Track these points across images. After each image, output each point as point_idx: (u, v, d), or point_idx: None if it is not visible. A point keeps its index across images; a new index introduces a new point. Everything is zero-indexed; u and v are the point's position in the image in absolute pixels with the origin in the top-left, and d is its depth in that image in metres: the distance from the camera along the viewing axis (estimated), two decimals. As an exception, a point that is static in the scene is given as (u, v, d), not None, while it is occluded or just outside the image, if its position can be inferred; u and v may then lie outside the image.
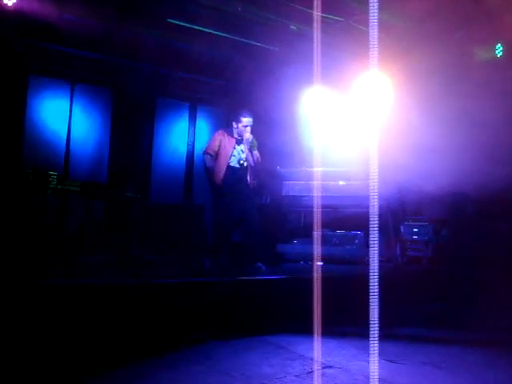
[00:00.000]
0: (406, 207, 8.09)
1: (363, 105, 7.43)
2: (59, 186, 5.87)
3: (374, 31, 2.30)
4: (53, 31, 6.51)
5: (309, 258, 7.07)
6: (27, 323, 3.53)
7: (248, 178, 6.05)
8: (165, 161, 8.66)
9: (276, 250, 7.29)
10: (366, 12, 2.38)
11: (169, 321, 4.16)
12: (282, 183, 7.74)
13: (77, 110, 7.79)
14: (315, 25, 5.28)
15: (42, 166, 5.93)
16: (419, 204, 8.07)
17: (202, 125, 9.16)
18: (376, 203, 2.24)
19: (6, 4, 6.03)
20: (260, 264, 5.79)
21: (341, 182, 7.57)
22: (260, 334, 4.38)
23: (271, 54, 8.07)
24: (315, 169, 7.39)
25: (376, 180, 2.24)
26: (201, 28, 7.37)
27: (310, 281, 4.26)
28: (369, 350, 2.35)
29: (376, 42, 2.30)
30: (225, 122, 9.06)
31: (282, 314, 4.74)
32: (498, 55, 7.41)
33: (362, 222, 5.52)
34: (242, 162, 6.00)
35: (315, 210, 6.32)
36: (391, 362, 3.72)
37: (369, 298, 2.19)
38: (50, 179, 5.74)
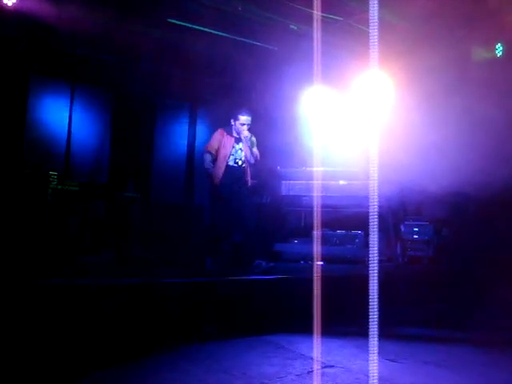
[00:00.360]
0: (407, 207, 8.09)
1: (363, 104, 7.43)
2: (59, 186, 5.88)
3: (374, 30, 2.29)
4: (53, 31, 6.51)
5: (309, 258, 7.07)
6: (27, 323, 3.53)
7: (246, 177, 6.04)
8: (165, 160, 8.66)
9: (273, 249, 7.29)
10: (366, 11, 2.38)
11: (169, 320, 4.17)
12: (282, 183, 7.74)
13: (77, 110, 7.79)
14: (315, 24, 5.27)
15: (43, 166, 5.94)
16: (420, 203, 8.07)
17: (203, 125, 9.16)
18: (376, 203, 2.24)
19: (6, 4, 6.03)
20: (260, 261, 5.79)
21: (341, 182, 7.56)
22: (260, 334, 4.38)
23: (271, 54, 8.06)
24: (315, 168, 7.39)
25: (376, 180, 2.23)
26: (201, 28, 7.37)
27: (310, 280, 4.26)
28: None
29: (376, 42, 2.29)
30: (225, 122, 9.05)
31: (282, 314, 4.75)
32: (498, 55, 7.41)
33: (362, 222, 5.52)
34: (240, 160, 5.98)
35: (315, 209, 6.32)
36: (392, 361, 3.72)
37: (369, 298, 2.19)
38: (51, 179, 5.75)
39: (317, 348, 3.81)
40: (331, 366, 3.57)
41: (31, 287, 3.72)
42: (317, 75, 4.91)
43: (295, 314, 4.55)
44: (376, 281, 2.19)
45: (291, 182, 7.69)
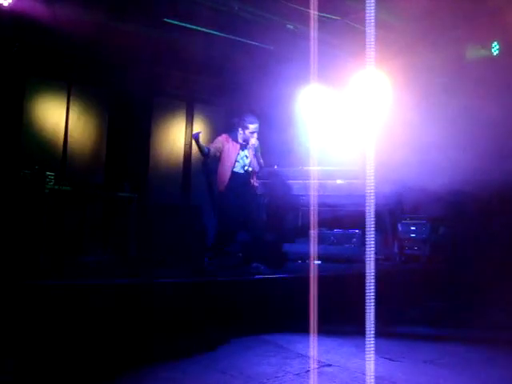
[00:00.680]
0: (404, 205, 8.10)
1: (360, 103, 7.43)
2: (56, 187, 5.86)
3: (370, 29, 2.30)
4: (49, 32, 6.49)
5: (307, 257, 7.07)
6: (24, 324, 3.52)
7: (252, 181, 6.00)
8: (162, 161, 8.65)
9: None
10: (363, 11, 2.38)
11: (167, 320, 4.16)
12: (279, 182, 7.73)
13: (74, 110, 7.77)
14: (312, 23, 5.28)
15: (39, 167, 5.91)
16: (417, 202, 8.08)
17: (199, 124, 9.15)
18: (373, 202, 2.24)
19: (2, 4, 6.01)
20: (257, 264, 5.78)
21: (338, 181, 7.57)
22: (259, 333, 4.38)
23: (268, 53, 8.06)
24: (312, 168, 7.39)
25: (373, 178, 2.24)
26: (197, 27, 7.36)
27: (308, 280, 4.26)
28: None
29: (373, 41, 2.30)
30: (222, 122, 9.06)
31: (280, 313, 4.75)
32: (495, 53, 7.43)
33: (359, 221, 5.52)
34: (246, 167, 5.93)
35: (313, 208, 6.33)
36: (390, 360, 3.73)
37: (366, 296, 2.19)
38: (47, 179, 5.72)
39: (315, 347, 3.81)
40: (329, 365, 3.58)
41: (28, 288, 3.72)
42: (313, 74, 4.91)
43: (293, 314, 4.55)
44: (373, 280, 2.20)
45: (289, 181, 7.69)
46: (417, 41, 7.16)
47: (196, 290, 4.58)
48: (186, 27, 7.33)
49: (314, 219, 6.00)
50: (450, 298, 5.96)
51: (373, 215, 2.25)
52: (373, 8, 2.30)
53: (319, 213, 6.04)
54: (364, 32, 2.31)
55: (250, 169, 5.92)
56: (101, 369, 3.36)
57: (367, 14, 2.31)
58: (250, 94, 7.69)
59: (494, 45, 7.41)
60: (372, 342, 2.21)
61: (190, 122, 9.03)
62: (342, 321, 4.67)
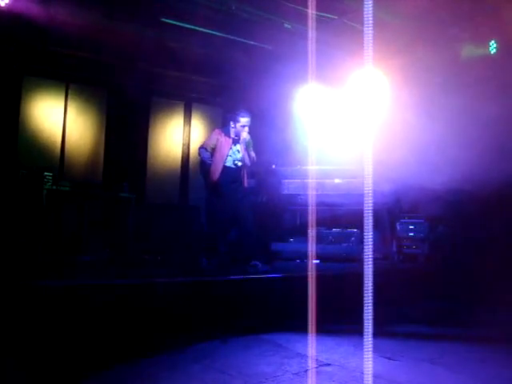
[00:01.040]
0: (402, 204, 8.11)
1: (358, 102, 7.43)
2: (54, 187, 5.87)
3: (368, 29, 2.29)
4: (46, 31, 6.49)
5: (305, 256, 7.07)
6: (23, 324, 3.52)
7: (243, 178, 6.03)
8: (160, 161, 8.65)
9: (270, 248, 7.29)
10: (361, 10, 2.38)
11: (165, 320, 4.16)
12: (277, 182, 7.74)
13: (71, 110, 7.76)
14: (309, 23, 5.27)
15: (37, 167, 5.91)
16: (415, 201, 8.08)
17: (197, 124, 9.15)
18: (370, 201, 2.24)
19: (-1, 4, 6.00)
20: (256, 262, 5.78)
21: (336, 180, 7.57)
22: (257, 333, 4.38)
23: (266, 53, 8.06)
24: (311, 167, 7.39)
25: (371, 177, 2.24)
26: (195, 27, 7.36)
27: (306, 279, 4.27)
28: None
29: (370, 40, 2.30)
30: (220, 121, 9.06)
31: (279, 313, 4.75)
32: (492, 52, 7.44)
33: (358, 220, 5.52)
34: (237, 162, 5.97)
35: (311, 208, 6.33)
36: (389, 359, 3.73)
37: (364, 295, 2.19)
38: (45, 180, 5.73)
39: (314, 346, 3.81)
40: (328, 364, 3.58)
41: (27, 288, 3.71)
42: (311, 73, 4.91)
43: (292, 313, 4.55)
44: (371, 279, 2.20)
45: (287, 180, 7.70)
46: (415, 40, 7.16)
47: (194, 289, 4.58)
48: (183, 27, 7.33)
49: (312, 218, 6.01)
50: (449, 297, 5.97)
51: (371, 214, 2.25)
52: (370, 7, 2.30)
53: (317, 212, 6.04)
54: (362, 31, 2.31)
55: (240, 163, 5.96)
56: (100, 368, 3.36)
57: (365, 13, 2.31)
58: (247, 94, 7.69)
59: (491, 43, 7.43)
60: (371, 341, 2.21)
61: (187, 121, 9.03)
62: (340, 320, 4.68)
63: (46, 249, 5.66)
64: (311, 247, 6.48)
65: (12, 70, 6.96)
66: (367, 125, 2.47)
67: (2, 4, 6.00)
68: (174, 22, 7.26)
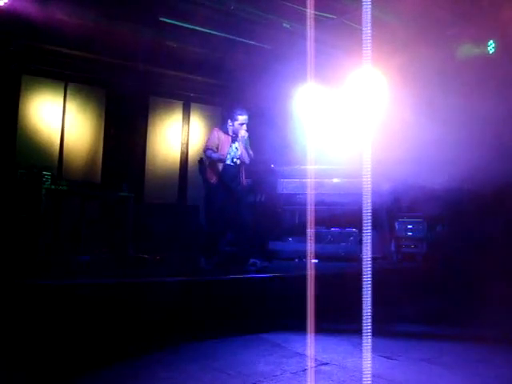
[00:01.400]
0: (401, 204, 8.11)
1: (357, 102, 7.43)
2: (53, 186, 5.86)
3: (367, 28, 2.30)
4: (45, 31, 6.47)
5: (304, 256, 7.08)
6: (21, 323, 3.52)
7: (241, 176, 6.04)
8: (159, 160, 8.65)
9: (268, 248, 7.29)
10: (359, 9, 2.38)
11: (164, 319, 4.16)
12: (276, 181, 7.74)
13: (70, 109, 7.76)
14: (308, 23, 5.27)
15: (36, 166, 5.90)
16: (414, 200, 8.09)
17: (196, 123, 9.15)
18: (369, 200, 2.24)
19: (-2, 3, 6.00)
20: (254, 260, 5.80)
21: (335, 180, 7.57)
22: (256, 332, 4.38)
23: (264, 52, 8.06)
24: (309, 166, 7.39)
25: (369, 177, 2.24)
26: (193, 26, 7.35)
27: (305, 278, 4.27)
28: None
29: (369, 39, 2.30)
30: (219, 120, 9.05)
31: (277, 312, 4.75)
32: (491, 52, 7.44)
33: (356, 220, 5.53)
34: (235, 159, 5.98)
35: (310, 207, 6.33)
36: (387, 358, 3.73)
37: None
38: (44, 179, 5.72)
39: (312, 346, 3.82)
40: (326, 364, 3.58)
41: (25, 287, 3.71)
42: (310, 73, 4.91)
43: (290, 312, 4.56)
44: (370, 278, 2.20)
45: (286, 180, 7.70)
46: (413, 39, 7.16)
47: (193, 289, 4.58)
48: (181, 26, 7.32)
49: (311, 218, 6.01)
50: (447, 297, 5.97)
51: (370, 214, 2.25)
52: (369, 7, 2.31)
53: (316, 211, 6.05)
54: (360, 31, 2.31)
55: (239, 161, 5.96)
56: (98, 367, 3.36)
57: (363, 13, 2.31)
58: (246, 93, 7.68)
59: (489, 43, 7.43)
60: (369, 341, 2.21)
61: (186, 121, 9.03)
62: (339, 319, 4.68)
63: (45, 248, 5.66)
64: (310, 246, 6.49)
65: (10, 69, 6.95)
66: (366, 124, 2.48)
67: (1, 3, 6.00)
68: (173, 22, 7.25)
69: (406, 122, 6.77)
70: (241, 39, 7.79)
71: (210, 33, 7.52)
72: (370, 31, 2.30)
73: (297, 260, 7.26)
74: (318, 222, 7.10)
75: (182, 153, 8.91)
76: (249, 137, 5.99)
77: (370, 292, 2.19)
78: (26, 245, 5.42)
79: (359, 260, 6.84)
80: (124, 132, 8.05)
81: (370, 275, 2.19)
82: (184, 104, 9.01)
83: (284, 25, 7.50)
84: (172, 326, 4.18)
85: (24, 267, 4.90)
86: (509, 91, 6.32)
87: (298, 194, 7.53)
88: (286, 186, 7.71)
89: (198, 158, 8.06)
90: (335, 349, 3.98)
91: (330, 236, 7.55)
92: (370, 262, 2.21)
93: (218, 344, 4.05)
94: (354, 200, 6.72)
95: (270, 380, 3.20)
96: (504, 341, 4.24)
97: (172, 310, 4.25)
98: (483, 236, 6.88)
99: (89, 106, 7.96)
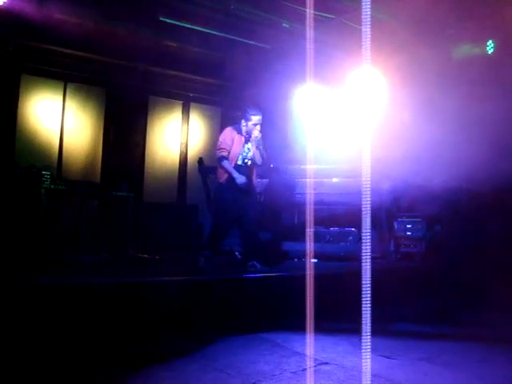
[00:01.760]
0: (400, 203, 8.12)
1: (356, 101, 7.44)
2: (52, 186, 5.86)
3: (366, 28, 2.30)
4: (45, 30, 6.48)
5: (303, 255, 7.07)
6: (21, 323, 3.52)
7: (253, 177, 5.99)
8: (158, 160, 8.66)
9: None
10: (359, 9, 2.38)
11: (164, 319, 4.17)
12: (276, 180, 7.74)
13: (69, 109, 7.76)
14: (308, 22, 5.27)
15: (35, 166, 5.90)
16: (413, 200, 8.09)
17: (196, 123, 9.16)
18: (368, 200, 2.24)
19: (-2, 3, 6.00)
20: (254, 262, 5.77)
21: (335, 179, 7.58)
22: (256, 332, 4.39)
23: (264, 52, 8.07)
24: (309, 166, 7.39)
25: (368, 177, 2.24)
26: (193, 26, 7.36)
27: (304, 278, 4.27)
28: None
29: (368, 39, 2.30)
30: (218, 120, 9.07)
31: (277, 312, 4.76)
32: (490, 52, 7.45)
33: (356, 219, 5.52)
34: (247, 160, 5.90)
35: (309, 207, 6.33)
36: (387, 357, 3.74)
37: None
38: (43, 179, 5.72)
39: (312, 345, 3.82)
40: (326, 363, 3.58)
41: (24, 287, 3.71)
42: (309, 73, 4.91)
43: (290, 312, 4.55)
44: (369, 278, 2.20)
45: (285, 179, 7.70)
46: (412, 39, 7.17)
47: (192, 288, 4.58)
48: (181, 26, 7.33)
49: (310, 217, 6.01)
50: (446, 296, 5.98)
51: (369, 213, 2.25)
52: (368, 7, 2.31)
53: (315, 211, 6.04)
54: (360, 30, 2.31)
55: (250, 162, 5.90)
56: (99, 368, 3.36)
57: (363, 13, 2.31)
58: (246, 93, 7.69)
59: (488, 43, 7.44)
60: (368, 340, 2.21)
61: (186, 120, 9.03)
62: (338, 319, 4.69)
63: (45, 248, 5.66)
64: (309, 246, 6.49)
65: (10, 69, 6.95)
66: (365, 124, 2.48)
67: (1, 3, 6.00)
68: (173, 22, 7.26)
69: (406, 121, 6.78)
70: (240, 39, 7.80)
71: (209, 33, 7.53)
72: (369, 31, 2.30)
73: (296, 259, 7.26)
74: (318, 222, 7.10)
75: (181, 152, 8.91)
76: (261, 137, 5.92)
77: (369, 291, 2.19)
78: (25, 244, 5.42)
79: (358, 259, 6.81)
80: (123, 132, 8.06)
81: (369, 275, 2.19)
82: (183, 104, 9.02)
83: (284, 25, 7.52)
84: (172, 325, 4.19)
85: (24, 267, 4.90)
86: (508, 91, 6.32)
87: (298, 193, 7.53)
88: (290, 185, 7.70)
89: (198, 158, 8.09)
90: (335, 348, 3.98)
91: (329, 235, 7.55)
92: (369, 262, 2.22)
93: (218, 344, 4.06)
94: (354, 199, 6.72)
95: (269, 379, 3.20)
96: (504, 341, 4.24)
97: (171, 310, 4.25)
98: (482, 236, 6.89)
99: (88, 105, 7.96)
